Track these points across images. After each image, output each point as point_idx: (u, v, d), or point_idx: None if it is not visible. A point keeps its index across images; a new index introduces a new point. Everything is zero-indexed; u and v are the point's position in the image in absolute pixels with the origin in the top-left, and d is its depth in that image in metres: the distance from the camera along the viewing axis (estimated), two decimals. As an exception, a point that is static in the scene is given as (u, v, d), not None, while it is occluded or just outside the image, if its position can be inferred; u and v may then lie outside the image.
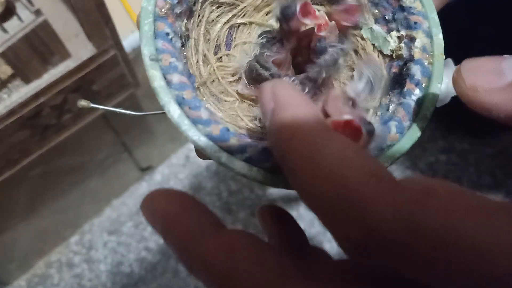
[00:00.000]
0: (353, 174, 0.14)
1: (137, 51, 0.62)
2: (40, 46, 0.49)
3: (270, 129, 0.16)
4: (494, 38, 0.62)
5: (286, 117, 0.16)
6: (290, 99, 0.16)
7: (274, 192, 0.95)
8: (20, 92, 0.46)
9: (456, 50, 0.66)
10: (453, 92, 0.36)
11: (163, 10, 0.22)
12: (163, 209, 0.18)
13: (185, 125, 0.20)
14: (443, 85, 0.34)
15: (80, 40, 0.50)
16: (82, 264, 0.92)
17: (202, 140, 0.20)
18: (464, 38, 0.65)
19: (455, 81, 0.18)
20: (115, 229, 0.94)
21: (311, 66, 0.24)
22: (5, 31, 0.50)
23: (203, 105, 0.21)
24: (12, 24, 0.50)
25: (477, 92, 0.17)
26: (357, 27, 0.26)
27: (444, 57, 0.24)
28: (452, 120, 0.93)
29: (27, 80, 0.50)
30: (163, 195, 0.18)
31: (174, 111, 0.20)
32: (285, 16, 0.23)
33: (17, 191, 0.65)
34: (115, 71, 0.52)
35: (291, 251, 0.22)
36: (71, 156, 0.67)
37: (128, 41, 0.61)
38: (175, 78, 0.21)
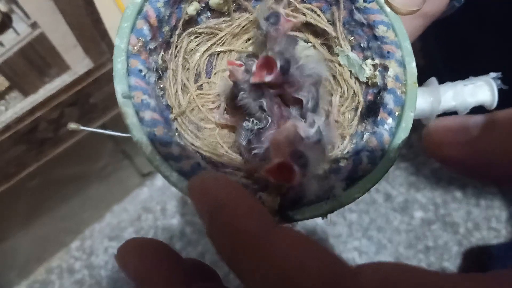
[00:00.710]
0: (306, 279, 0.13)
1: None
2: (37, 59, 0.48)
3: (210, 234, 0.16)
4: (494, 48, 0.61)
5: (226, 220, 0.15)
6: (225, 196, 0.16)
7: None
8: (16, 107, 0.46)
9: (458, 60, 0.65)
10: (438, 111, 0.35)
11: (135, 47, 0.22)
12: (135, 266, 0.18)
13: (157, 161, 0.21)
14: (428, 104, 0.34)
15: (78, 53, 0.49)
16: (83, 270, 0.92)
17: (174, 176, 0.21)
18: (466, 48, 0.64)
19: (424, 138, 0.18)
20: (116, 235, 0.94)
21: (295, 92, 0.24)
22: (1, 44, 0.49)
23: (174, 141, 0.21)
24: (8, 37, 0.49)
25: (442, 147, 0.17)
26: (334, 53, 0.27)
27: (417, 85, 0.24)
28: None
29: (24, 93, 0.49)
30: (135, 250, 0.18)
31: (146, 148, 0.21)
32: (272, 21, 0.24)
33: (16, 201, 0.64)
34: (112, 85, 0.51)
35: None
36: (70, 166, 0.67)
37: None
38: (147, 115, 0.21)
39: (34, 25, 0.47)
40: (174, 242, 0.93)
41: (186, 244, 0.92)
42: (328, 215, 0.22)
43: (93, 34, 0.43)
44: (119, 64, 0.22)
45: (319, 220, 0.95)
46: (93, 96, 0.51)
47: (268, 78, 0.22)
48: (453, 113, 0.37)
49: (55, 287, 0.90)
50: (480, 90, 0.35)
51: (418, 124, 0.91)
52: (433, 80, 0.35)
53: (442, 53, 0.71)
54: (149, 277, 0.18)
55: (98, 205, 0.92)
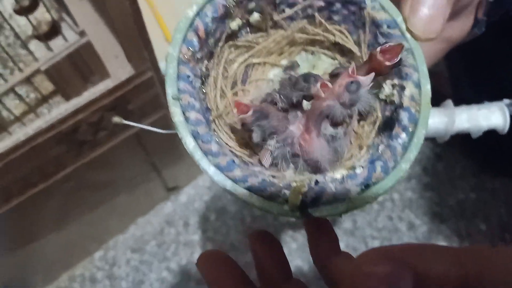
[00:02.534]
0: None
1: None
2: (81, 65, 0.52)
3: None
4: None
5: None
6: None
7: (294, 220, 0.95)
8: (60, 108, 0.49)
9: (485, 88, 0.65)
10: (452, 131, 0.37)
11: (186, 56, 0.25)
12: (210, 274, 0.25)
13: (198, 155, 0.24)
14: (443, 125, 0.36)
15: (120, 61, 0.52)
16: (104, 280, 0.93)
17: (211, 169, 0.24)
18: (492, 75, 0.65)
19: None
20: (139, 247, 0.95)
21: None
22: (50, 49, 0.53)
23: (213, 139, 0.24)
24: (56, 43, 0.53)
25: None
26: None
27: (430, 106, 0.26)
28: (483, 159, 0.92)
29: (67, 97, 0.52)
30: (211, 260, 0.25)
31: (189, 143, 0.24)
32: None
33: (49, 203, 0.67)
34: (150, 92, 0.54)
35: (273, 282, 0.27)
36: (103, 172, 0.69)
37: (164, 63, 0.63)
38: (192, 115, 0.24)
39: (82, 33, 0.50)
40: (195, 257, 0.93)
41: (206, 260, 0.93)
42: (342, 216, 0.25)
43: (137, 43, 0.46)
44: (171, 69, 0.25)
45: (341, 245, 0.94)
46: (131, 102, 0.53)
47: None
48: (466, 134, 0.38)
49: (77, 295, 0.92)
50: (493, 115, 0.37)
51: (443, 154, 0.91)
52: (449, 102, 0.37)
53: (470, 81, 0.71)
54: (221, 283, 0.24)
55: (124, 215, 0.94)
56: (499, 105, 0.37)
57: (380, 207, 0.94)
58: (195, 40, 0.26)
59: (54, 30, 0.53)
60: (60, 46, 0.51)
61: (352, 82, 0.25)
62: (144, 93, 0.53)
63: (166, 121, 0.64)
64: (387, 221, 0.93)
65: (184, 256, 0.95)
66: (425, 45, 0.36)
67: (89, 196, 0.76)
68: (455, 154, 0.96)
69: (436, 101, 0.39)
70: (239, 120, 0.26)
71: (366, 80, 0.25)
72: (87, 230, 0.86)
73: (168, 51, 0.25)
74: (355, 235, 0.92)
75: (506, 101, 0.37)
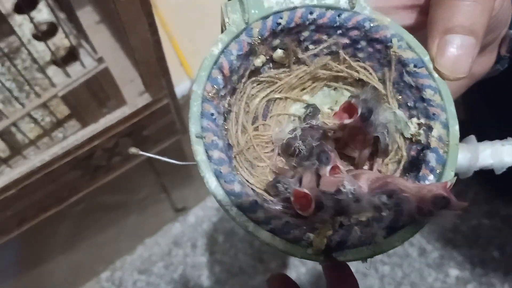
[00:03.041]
0: None
1: (186, 98, 0.64)
2: (98, 91, 0.52)
3: None
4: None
5: None
6: None
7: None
8: (77, 135, 0.48)
9: (503, 116, 0.64)
10: (476, 167, 0.36)
11: (210, 94, 0.25)
12: None
13: (220, 195, 0.24)
14: (466, 161, 0.35)
15: (137, 88, 0.52)
16: (111, 301, 0.92)
17: (233, 210, 0.23)
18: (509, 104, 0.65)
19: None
20: (146, 268, 0.95)
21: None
22: (67, 74, 0.53)
23: (237, 179, 0.24)
24: (74, 69, 0.53)
25: None
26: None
27: (458, 146, 0.25)
28: (497, 185, 0.91)
29: (83, 121, 0.52)
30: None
31: (211, 183, 0.24)
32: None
33: (60, 225, 0.66)
34: (166, 118, 0.54)
35: None
36: (114, 194, 0.69)
37: (179, 88, 0.63)
38: (215, 154, 0.24)
39: (100, 60, 0.50)
40: (202, 280, 0.92)
41: (214, 283, 0.92)
42: (368, 260, 0.24)
43: (156, 71, 0.46)
44: (195, 107, 0.24)
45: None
46: (147, 128, 0.53)
47: (347, 121, 0.25)
48: (490, 170, 0.37)
49: (83, 316, 0.91)
50: None
51: (457, 180, 0.90)
52: (472, 137, 0.37)
53: (486, 107, 0.71)
54: None
55: (132, 236, 0.94)
56: None
57: (391, 232, 0.93)
58: (219, 78, 0.25)
59: (72, 56, 0.53)
60: (77, 72, 0.51)
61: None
62: (159, 120, 0.53)
63: (179, 146, 0.64)
64: (398, 246, 0.92)
65: (191, 278, 0.94)
66: (447, 81, 0.36)
67: (99, 218, 0.75)
68: (467, 179, 0.95)
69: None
70: (307, 214, 0.24)
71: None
72: (95, 251, 0.86)
73: (192, 88, 0.25)
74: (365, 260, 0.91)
75: None
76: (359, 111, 0.25)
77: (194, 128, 0.24)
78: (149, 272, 0.94)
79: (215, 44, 0.26)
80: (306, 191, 0.24)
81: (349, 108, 0.25)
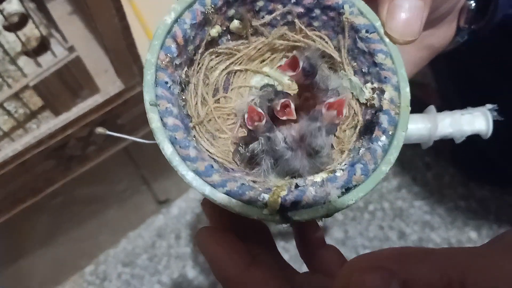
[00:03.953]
0: None
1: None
2: (70, 81, 0.52)
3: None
4: (508, 90, 0.63)
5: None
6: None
7: (285, 230, 0.95)
8: (49, 123, 0.48)
9: (471, 96, 0.66)
10: (436, 136, 0.37)
11: (163, 62, 0.25)
12: (208, 250, 0.25)
13: (176, 161, 0.24)
14: (426, 130, 0.36)
15: (109, 76, 0.52)
16: (95, 295, 0.92)
17: (190, 175, 0.24)
18: (476, 84, 0.66)
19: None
20: (130, 261, 0.95)
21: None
22: (38, 65, 0.53)
23: (192, 144, 0.24)
24: (46, 59, 0.53)
25: None
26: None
27: (409, 108, 0.26)
28: (472, 168, 0.93)
29: (56, 112, 0.52)
30: (210, 237, 0.26)
31: (167, 149, 0.24)
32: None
33: (38, 218, 0.66)
34: (140, 107, 0.54)
35: None
36: (92, 186, 0.69)
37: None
38: (170, 121, 0.24)
39: (71, 49, 0.50)
40: (187, 270, 0.93)
41: (198, 273, 0.93)
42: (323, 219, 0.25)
43: (126, 58, 0.46)
44: (148, 75, 0.25)
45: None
46: (121, 117, 0.53)
47: (290, 74, 0.26)
48: (450, 139, 0.39)
49: (67, 311, 0.91)
50: (477, 120, 0.37)
51: (433, 164, 0.92)
52: (432, 108, 0.38)
53: (456, 91, 0.73)
54: (218, 259, 0.25)
55: (114, 230, 0.94)
56: (482, 110, 0.37)
57: (371, 217, 0.95)
58: (173, 46, 0.26)
59: (43, 46, 0.53)
60: (49, 61, 0.51)
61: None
62: (133, 108, 0.54)
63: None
64: (378, 230, 0.94)
65: (175, 269, 0.94)
66: (408, 53, 0.36)
67: (79, 211, 0.75)
68: (444, 163, 0.97)
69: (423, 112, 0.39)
70: (253, 127, 0.26)
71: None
72: (77, 245, 0.85)
73: (146, 58, 0.25)
74: (346, 245, 0.93)
75: (489, 106, 0.37)
76: (301, 65, 0.25)
77: (148, 96, 0.24)
78: (133, 265, 0.95)
79: (168, 13, 0.26)
80: (259, 110, 0.25)
81: (293, 63, 0.26)
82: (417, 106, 0.40)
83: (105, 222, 0.86)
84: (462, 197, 0.95)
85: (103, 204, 0.79)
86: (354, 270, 0.17)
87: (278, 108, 0.26)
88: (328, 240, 0.94)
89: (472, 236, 0.91)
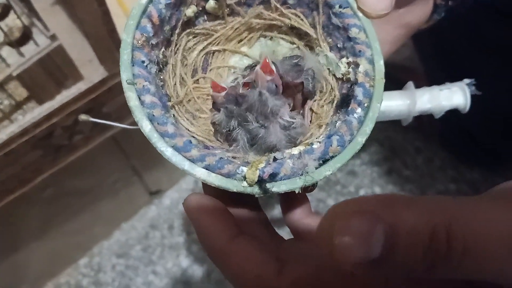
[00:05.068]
0: (247, 281, 0.23)
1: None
2: (54, 70, 0.52)
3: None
4: (494, 69, 0.63)
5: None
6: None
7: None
8: (34, 112, 0.49)
9: (453, 70, 0.66)
10: (415, 112, 0.38)
11: (139, 42, 0.26)
12: (195, 218, 0.25)
13: (155, 138, 0.24)
14: (405, 106, 0.37)
15: (93, 65, 0.52)
16: (90, 287, 0.93)
17: (169, 151, 0.24)
18: (458, 59, 0.66)
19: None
20: (124, 252, 0.95)
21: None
22: (21, 55, 0.52)
23: (170, 121, 0.25)
24: (28, 49, 0.53)
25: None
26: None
27: (384, 80, 0.27)
28: (462, 150, 0.93)
29: (41, 101, 0.52)
30: (197, 205, 0.26)
31: (145, 126, 0.24)
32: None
33: (29, 210, 0.66)
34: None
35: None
36: (82, 178, 0.69)
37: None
38: (147, 98, 0.25)
39: (53, 37, 0.50)
40: (180, 259, 0.93)
41: (192, 262, 0.93)
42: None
43: (108, 44, 0.46)
44: (125, 55, 0.25)
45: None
46: (106, 105, 0.54)
47: (269, 78, 0.27)
48: (429, 115, 0.39)
49: (63, 303, 0.91)
50: (455, 95, 0.38)
51: (424, 148, 0.92)
52: (410, 84, 0.38)
53: (441, 70, 0.73)
54: (204, 228, 0.25)
55: (108, 222, 0.94)
56: (460, 85, 0.37)
57: (362, 202, 0.96)
58: (148, 26, 0.26)
59: (25, 36, 0.53)
60: (32, 51, 0.51)
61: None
62: (118, 96, 0.54)
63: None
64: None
65: (170, 259, 0.95)
66: (385, 31, 0.37)
67: (71, 203, 0.75)
68: (434, 147, 0.98)
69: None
70: (215, 99, 0.27)
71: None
72: (71, 238, 0.86)
73: (122, 38, 0.26)
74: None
75: (467, 80, 0.37)
76: (275, 70, 0.27)
77: (125, 75, 0.25)
78: (127, 256, 0.95)
79: None
80: (223, 85, 0.27)
81: (267, 67, 0.27)
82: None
83: (98, 214, 0.86)
84: (452, 180, 0.95)
85: (95, 196, 0.79)
86: (338, 215, 0.17)
87: (258, 69, 0.27)
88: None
89: (463, 218, 0.92)
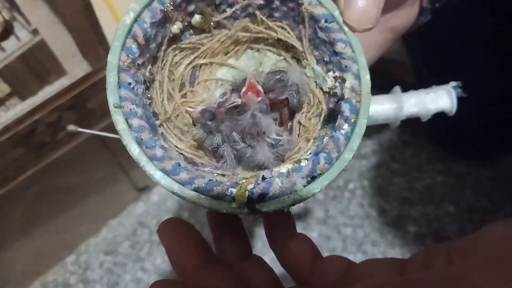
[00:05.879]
0: None
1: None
2: (36, 65, 0.51)
3: None
4: (480, 60, 0.64)
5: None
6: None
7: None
8: (16, 109, 0.47)
9: (442, 72, 0.67)
10: (402, 116, 0.38)
11: (125, 63, 0.25)
12: (168, 243, 0.25)
13: (143, 161, 0.24)
14: (392, 111, 0.37)
15: (77, 60, 0.51)
16: (78, 285, 0.92)
17: (158, 174, 0.24)
18: (448, 60, 0.67)
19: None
20: (112, 249, 0.94)
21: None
22: (3, 50, 0.51)
23: (158, 144, 0.25)
24: (10, 43, 0.52)
25: None
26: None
27: (370, 95, 0.26)
28: (449, 143, 0.94)
29: (23, 98, 0.51)
30: (170, 230, 0.25)
31: (134, 150, 0.24)
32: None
33: (14, 209, 0.65)
34: (109, 90, 0.53)
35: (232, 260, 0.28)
36: (67, 175, 0.68)
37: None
38: (135, 122, 0.24)
39: (35, 32, 0.49)
40: (169, 256, 0.93)
41: (181, 258, 0.93)
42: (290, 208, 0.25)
43: (91, 38, 0.45)
44: (111, 78, 0.25)
45: (314, 234, 0.95)
46: (90, 101, 0.53)
47: (258, 99, 0.27)
48: (416, 118, 0.39)
49: (50, 301, 0.90)
50: (441, 98, 0.38)
51: (411, 141, 0.93)
52: (397, 88, 0.38)
53: (428, 67, 0.73)
54: (177, 253, 0.25)
55: (94, 219, 0.93)
56: (446, 88, 0.38)
57: (351, 195, 0.96)
58: (134, 47, 0.26)
59: (7, 31, 0.52)
60: (13, 46, 0.50)
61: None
62: (103, 91, 0.52)
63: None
64: (359, 208, 0.95)
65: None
66: (372, 35, 0.36)
67: (57, 201, 0.74)
68: (421, 140, 0.98)
69: (402, 90, 0.40)
70: (190, 115, 0.27)
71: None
72: (57, 236, 0.85)
73: (107, 60, 0.25)
74: (327, 224, 0.94)
75: (453, 83, 0.38)
76: (261, 90, 0.27)
77: (112, 98, 0.24)
78: (115, 253, 0.94)
79: (127, 13, 0.26)
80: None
81: (253, 87, 0.27)
82: (394, 83, 0.41)
83: (85, 212, 0.85)
84: (439, 173, 0.96)
85: (82, 194, 0.78)
86: None
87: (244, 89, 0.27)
88: (309, 220, 0.95)
89: (450, 210, 0.93)
